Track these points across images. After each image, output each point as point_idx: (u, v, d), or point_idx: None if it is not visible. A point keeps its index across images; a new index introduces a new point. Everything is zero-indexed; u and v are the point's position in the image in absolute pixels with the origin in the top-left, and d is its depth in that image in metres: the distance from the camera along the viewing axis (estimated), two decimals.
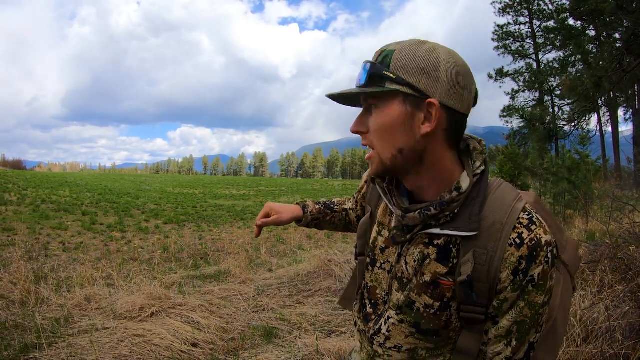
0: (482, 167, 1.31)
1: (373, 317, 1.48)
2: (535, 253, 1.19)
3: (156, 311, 5.91)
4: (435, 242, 1.30)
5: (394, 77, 1.20)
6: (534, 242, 1.19)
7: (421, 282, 1.32)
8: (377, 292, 1.48)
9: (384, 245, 1.46)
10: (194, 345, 5.17)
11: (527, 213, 1.25)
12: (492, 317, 1.28)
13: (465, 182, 1.27)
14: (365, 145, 1.32)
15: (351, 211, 2.01)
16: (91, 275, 7.81)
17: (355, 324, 1.63)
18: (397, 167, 1.29)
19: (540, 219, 1.26)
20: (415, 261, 1.34)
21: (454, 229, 1.25)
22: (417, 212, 1.29)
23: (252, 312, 6.37)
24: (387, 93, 1.22)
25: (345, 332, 5.51)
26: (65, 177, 74.21)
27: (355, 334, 1.66)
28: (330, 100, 1.38)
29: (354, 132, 1.33)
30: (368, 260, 1.54)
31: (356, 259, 1.66)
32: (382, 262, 1.46)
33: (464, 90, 1.23)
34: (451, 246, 1.28)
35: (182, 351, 4.94)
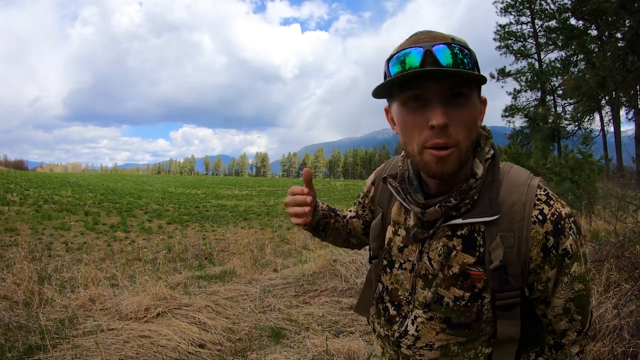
0: (491, 152, 1.34)
1: (397, 319, 1.46)
2: (560, 226, 1.22)
3: (162, 312, 5.89)
4: (459, 233, 1.30)
5: (478, 69, 1.23)
6: (555, 216, 1.22)
7: (449, 275, 1.31)
8: (399, 293, 1.46)
9: (402, 245, 1.44)
10: (201, 346, 5.15)
11: (542, 189, 1.28)
12: (542, 300, 1.32)
13: (479, 168, 1.29)
14: (443, 144, 1.18)
15: (354, 219, 1.88)
16: (95, 275, 7.78)
17: (374, 330, 1.61)
18: (465, 161, 1.26)
19: (555, 194, 1.29)
20: (440, 255, 1.33)
21: (476, 216, 1.26)
22: (437, 206, 1.28)
23: (259, 312, 6.35)
24: (475, 84, 1.22)
25: (353, 332, 5.50)
26: (67, 177, 74.31)
27: (375, 341, 1.64)
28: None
29: (444, 125, 1.15)
30: (384, 262, 1.51)
31: (370, 262, 1.62)
32: (402, 261, 1.44)
33: None
34: (475, 235, 1.28)
35: (189, 352, 4.92)
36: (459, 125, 1.18)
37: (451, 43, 1.17)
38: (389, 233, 1.51)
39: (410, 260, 1.42)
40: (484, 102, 1.29)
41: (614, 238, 6.23)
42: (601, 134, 36.54)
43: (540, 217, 1.22)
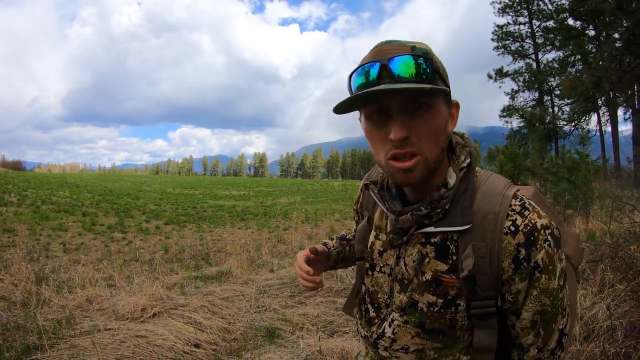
0: (468, 160, 1.33)
1: (376, 320, 1.48)
2: (532, 238, 1.19)
3: (158, 312, 5.91)
4: (432, 241, 1.31)
5: (442, 76, 1.23)
6: (529, 227, 1.20)
7: (423, 281, 1.32)
8: (379, 295, 1.48)
9: (381, 249, 1.47)
10: (197, 345, 5.17)
11: (518, 199, 1.25)
12: (513, 312, 1.29)
13: (452, 177, 1.29)
14: (404, 155, 1.20)
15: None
16: (92, 276, 7.80)
17: (358, 331, 1.63)
18: (432, 169, 1.26)
19: (534, 204, 1.27)
20: (414, 261, 1.34)
21: (447, 225, 1.26)
22: (409, 214, 1.30)
23: (254, 312, 6.37)
24: (438, 92, 1.20)
25: (347, 332, 5.52)
26: (65, 177, 74.25)
27: (360, 340, 1.65)
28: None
29: (403, 138, 1.18)
30: (367, 265, 1.54)
31: (354, 263, 1.68)
32: (382, 265, 1.47)
33: None
34: (448, 243, 1.28)
35: (184, 352, 4.94)
36: (422, 136, 1.20)
37: (410, 54, 1.17)
38: (371, 237, 1.54)
39: (388, 265, 1.44)
40: (455, 106, 1.30)
41: (609, 238, 6.25)
42: (599, 134, 36.56)
43: (512, 228, 1.21)
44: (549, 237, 1.21)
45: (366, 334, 1.52)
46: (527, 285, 1.23)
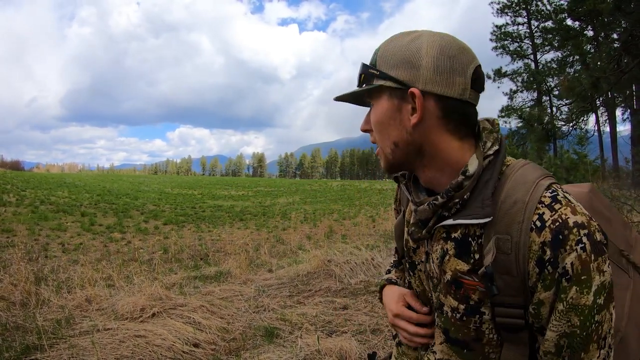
0: (495, 147, 1.19)
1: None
2: (561, 237, 1.01)
3: (157, 312, 5.92)
4: (453, 236, 1.19)
5: (378, 72, 1.18)
6: (557, 224, 1.02)
7: (444, 281, 1.21)
8: (428, 295, 1.35)
9: (414, 246, 1.36)
10: (196, 345, 5.18)
11: (551, 191, 1.09)
12: (538, 329, 1.11)
13: (473, 165, 1.15)
14: (373, 142, 1.29)
15: None
16: (91, 276, 7.80)
17: (395, 336, 1.54)
18: (400, 161, 1.23)
19: (570, 198, 1.09)
20: (437, 259, 1.23)
21: (466, 217, 1.14)
22: (427, 204, 1.20)
23: (253, 312, 6.38)
24: (376, 89, 1.19)
25: (346, 332, 5.51)
26: (64, 177, 74.29)
27: (394, 349, 1.55)
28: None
29: (363, 130, 1.31)
30: (407, 265, 1.43)
31: (399, 263, 1.55)
32: (418, 262, 1.35)
33: (454, 72, 1.13)
34: (470, 239, 1.16)
35: (183, 351, 4.95)
36: (374, 129, 1.25)
37: (363, 63, 1.24)
38: (405, 234, 1.43)
39: (422, 262, 1.33)
40: (411, 95, 1.13)
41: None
42: (597, 134, 36.55)
43: (538, 223, 1.04)
44: (585, 239, 1.01)
45: None
46: (553, 297, 1.04)
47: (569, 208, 1.04)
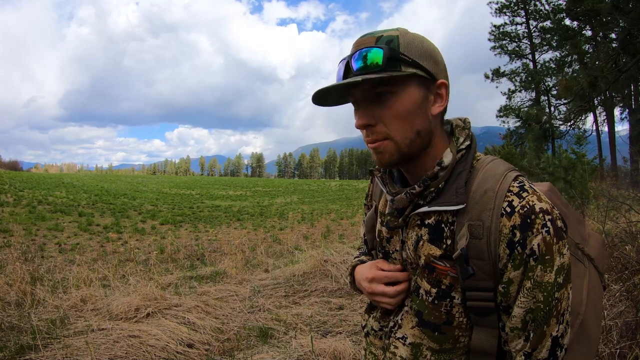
0: (467, 142, 1.32)
1: (394, 309, 1.44)
2: (529, 220, 1.13)
3: (152, 312, 5.91)
4: (427, 222, 1.28)
5: (410, 60, 1.20)
6: (526, 209, 1.14)
7: (419, 265, 1.30)
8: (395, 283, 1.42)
9: (388, 236, 1.44)
10: (190, 345, 5.17)
11: (518, 182, 1.20)
12: (505, 308, 1.20)
13: (447, 157, 1.27)
14: (373, 140, 1.27)
15: None
16: (87, 276, 7.80)
17: (364, 327, 1.58)
18: (413, 151, 1.27)
19: (535, 188, 1.21)
20: (412, 245, 1.31)
21: (440, 204, 1.23)
22: (404, 194, 1.29)
23: (248, 312, 6.38)
24: (406, 77, 1.21)
25: (340, 333, 5.52)
26: (62, 178, 74.18)
27: (363, 341, 1.61)
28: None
29: (362, 125, 1.27)
30: (380, 255, 1.51)
31: (369, 253, 1.63)
32: (392, 251, 1.44)
33: (446, 70, 1.30)
34: (443, 225, 1.25)
35: (177, 352, 4.94)
36: (387, 122, 1.23)
37: (372, 46, 1.20)
38: (378, 225, 1.52)
39: (397, 250, 1.41)
40: (439, 87, 1.26)
41: (605, 238, 6.25)
42: (596, 133, 36.62)
43: (508, 209, 1.15)
44: (549, 224, 1.13)
45: (381, 325, 1.48)
46: (521, 275, 1.14)
47: (535, 196, 1.16)
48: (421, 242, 1.28)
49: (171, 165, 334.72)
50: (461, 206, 1.19)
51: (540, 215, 1.13)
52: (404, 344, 1.35)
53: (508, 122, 37.17)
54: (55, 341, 5.18)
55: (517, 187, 1.18)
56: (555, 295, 1.14)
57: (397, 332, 1.37)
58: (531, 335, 1.16)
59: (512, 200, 1.16)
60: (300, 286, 7.74)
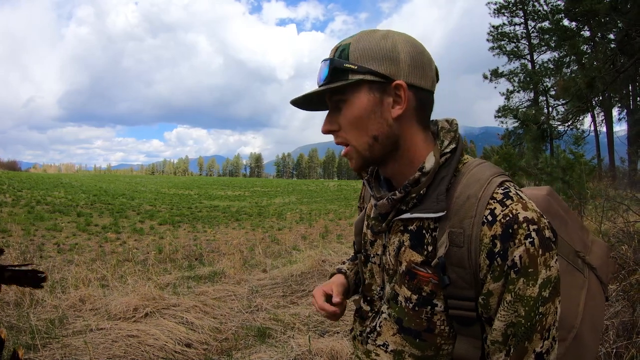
0: (452, 146, 1.27)
1: (370, 314, 1.44)
2: (511, 230, 1.07)
3: (150, 312, 5.92)
4: (409, 228, 1.25)
5: (356, 67, 1.20)
6: (508, 218, 1.08)
7: (400, 272, 1.27)
8: (373, 288, 1.44)
9: (372, 239, 1.43)
10: (188, 345, 5.18)
11: (503, 188, 1.15)
12: (487, 320, 1.15)
13: (429, 162, 1.23)
14: (339, 143, 1.31)
15: None
16: (85, 276, 7.81)
17: (352, 330, 1.57)
18: (375, 156, 1.27)
19: (522, 195, 1.15)
20: (394, 250, 1.29)
21: (421, 211, 1.20)
22: (386, 199, 1.28)
23: (246, 312, 6.39)
24: (352, 84, 1.21)
25: (338, 332, 5.53)
26: (60, 178, 74.12)
27: (351, 344, 1.62)
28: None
29: (325, 131, 1.32)
30: (362, 257, 1.50)
31: (355, 256, 1.62)
32: (373, 255, 1.42)
33: (425, 66, 1.23)
34: (424, 231, 1.22)
35: (175, 351, 4.95)
36: (344, 128, 1.27)
37: (327, 58, 1.26)
38: (364, 227, 1.51)
39: (378, 255, 1.39)
40: (398, 87, 1.20)
41: (601, 238, 6.26)
42: (594, 134, 36.63)
43: (490, 217, 1.10)
44: (534, 234, 1.07)
45: (360, 329, 1.47)
46: (501, 288, 1.10)
47: (520, 204, 1.10)
48: (403, 248, 1.26)
49: (170, 166, 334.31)
50: (441, 214, 1.17)
51: (524, 225, 1.08)
52: (385, 351, 1.33)
53: (506, 122, 37.18)
54: (54, 341, 5.18)
55: (501, 194, 1.14)
56: (540, 310, 1.09)
57: (377, 340, 1.36)
58: (512, 350, 1.12)
59: (495, 208, 1.12)
60: (298, 286, 7.76)
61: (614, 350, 3.72)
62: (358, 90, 1.22)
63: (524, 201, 1.12)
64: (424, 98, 1.24)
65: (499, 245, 1.08)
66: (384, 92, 1.21)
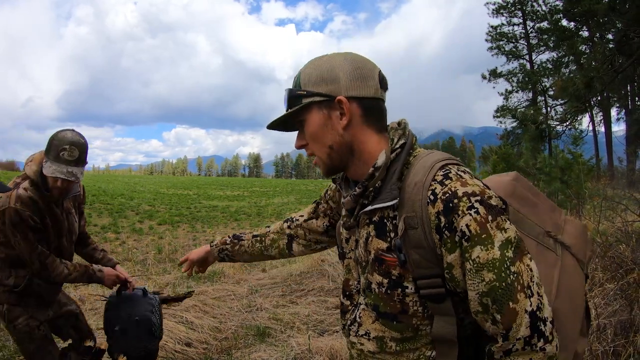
0: (402, 141, 1.42)
1: (350, 308, 1.56)
2: (451, 205, 1.20)
3: None
4: (373, 220, 1.41)
5: (305, 92, 1.42)
6: (447, 195, 1.21)
7: (370, 260, 1.41)
8: (350, 283, 1.57)
9: (347, 236, 1.57)
10: (188, 344, 5.19)
11: (444, 170, 1.29)
12: (464, 294, 1.26)
13: (381, 158, 1.38)
14: (309, 155, 1.50)
15: (310, 221, 2.18)
16: None
17: (343, 327, 1.66)
18: (336, 162, 1.46)
19: (463, 175, 1.28)
20: (364, 242, 1.44)
21: (379, 202, 1.35)
22: (349, 196, 1.44)
23: (246, 311, 6.40)
24: (305, 107, 1.42)
25: (337, 331, 5.54)
26: None
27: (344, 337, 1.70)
28: None
29: (298, 147, 1.52)
30: (339, 254, 1.66)
31: (340, 259, 1.71)
32: (348, 251, 1.58)
33: (366, 78, 1.39)
34: (385, 220, 1.37)
35: (175, 350, 4.96)
36: (309, 142, 1.49)
37: (287, 88, 1.49)
38: (339, 227, 1.64)
39: (352, 250, 1.54)
40: (340, 102, 1.39)
41: (600, 238, 6.28)
42: (592, 134, 36.64)
43: (432, 197, 1.24)
44: (477, 204, 1.19)
45: (343, 323, 1.60)
46: (460, 259, 1.21)
47: (458, 182, 1.24)
48: (370, 238, 1.41)
49: (168, 166, 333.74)
50: (395, 201, 1.31)
51: (464, 198, 1.20)
52: (368, 340, 1.44)
53: (505, 122, 37.27)
54: None
55: (441, 175, 1.27)
56: (511, 270, 1.16)
57: (359, 330, 1.47)
58: (497, 316, 1.18)
59: (435, 188, 1.25)
60: (298, 285, 7.78)
61: (612, 348, 3.73)
62: (310, 111, 1.44)
63: (462, 179, 1.25)
64: (368, 105, 1.41)
65: (443, 219, 1.21)
66: (331, 108, 1.41)
